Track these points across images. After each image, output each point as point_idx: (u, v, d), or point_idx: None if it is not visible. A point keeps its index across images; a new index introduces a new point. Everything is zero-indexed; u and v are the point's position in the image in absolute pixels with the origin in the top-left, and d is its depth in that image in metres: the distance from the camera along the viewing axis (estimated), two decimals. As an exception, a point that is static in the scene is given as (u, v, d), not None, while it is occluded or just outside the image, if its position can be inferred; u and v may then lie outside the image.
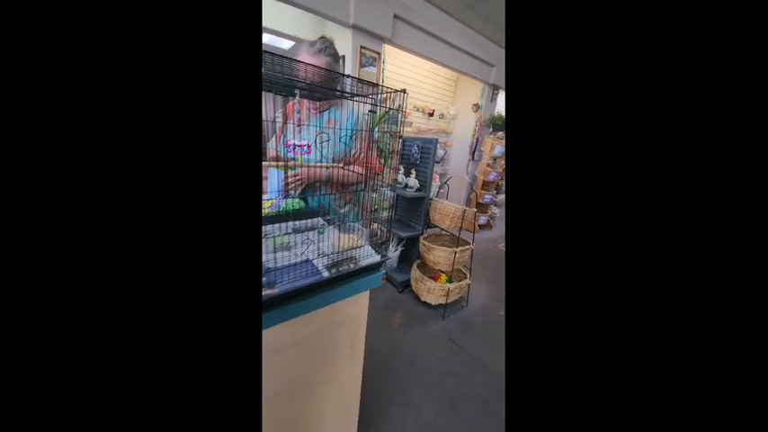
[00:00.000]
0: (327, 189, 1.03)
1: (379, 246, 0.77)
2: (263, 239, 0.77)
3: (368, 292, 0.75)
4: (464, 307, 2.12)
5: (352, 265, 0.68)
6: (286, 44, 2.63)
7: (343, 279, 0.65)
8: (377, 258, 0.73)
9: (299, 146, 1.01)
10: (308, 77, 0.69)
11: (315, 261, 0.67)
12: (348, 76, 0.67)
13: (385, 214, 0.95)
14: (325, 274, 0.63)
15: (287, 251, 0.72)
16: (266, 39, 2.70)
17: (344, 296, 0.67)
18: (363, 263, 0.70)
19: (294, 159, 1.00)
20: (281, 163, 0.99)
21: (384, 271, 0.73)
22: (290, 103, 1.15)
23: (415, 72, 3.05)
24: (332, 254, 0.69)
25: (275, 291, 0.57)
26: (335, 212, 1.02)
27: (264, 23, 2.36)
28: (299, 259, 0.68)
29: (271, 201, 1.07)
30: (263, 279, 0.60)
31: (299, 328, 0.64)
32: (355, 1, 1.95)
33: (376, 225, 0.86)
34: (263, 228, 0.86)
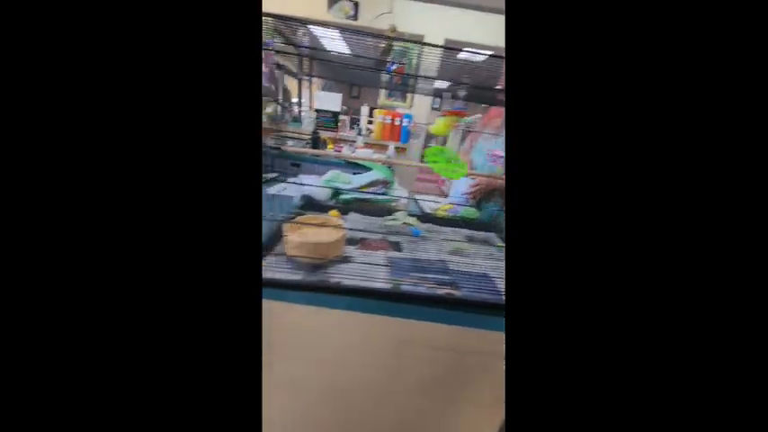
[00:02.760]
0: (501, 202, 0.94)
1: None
2: (440, 240, 0.78)
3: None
4: None
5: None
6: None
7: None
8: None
9: (499, 156, 0.96)
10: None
11: (495, 279, 0.61)
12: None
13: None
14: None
15: (465, 258, 0.70)
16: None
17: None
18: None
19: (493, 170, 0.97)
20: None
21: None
22: (492, 110, 1.12)
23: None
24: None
25: (458, 292, 0.55)
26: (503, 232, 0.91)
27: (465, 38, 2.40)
28: (476, 270, 0.64)
29: (450, 204, 1.10)
30: (446, 277, 0.60)
31: (430, 331, 0.56)
32: None
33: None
34: (440, 228, 0.88)
